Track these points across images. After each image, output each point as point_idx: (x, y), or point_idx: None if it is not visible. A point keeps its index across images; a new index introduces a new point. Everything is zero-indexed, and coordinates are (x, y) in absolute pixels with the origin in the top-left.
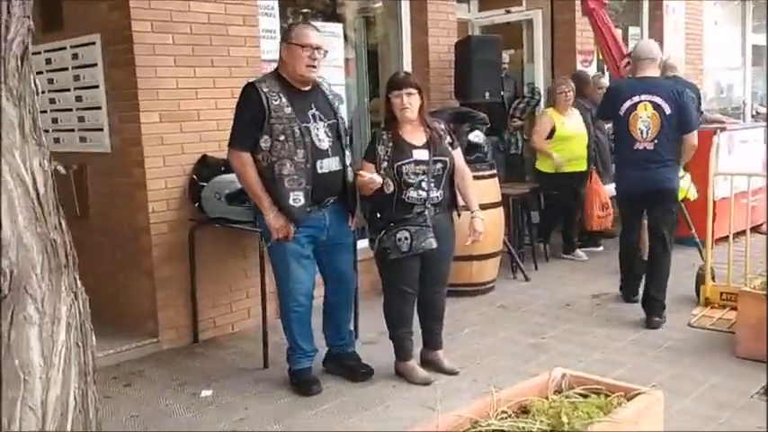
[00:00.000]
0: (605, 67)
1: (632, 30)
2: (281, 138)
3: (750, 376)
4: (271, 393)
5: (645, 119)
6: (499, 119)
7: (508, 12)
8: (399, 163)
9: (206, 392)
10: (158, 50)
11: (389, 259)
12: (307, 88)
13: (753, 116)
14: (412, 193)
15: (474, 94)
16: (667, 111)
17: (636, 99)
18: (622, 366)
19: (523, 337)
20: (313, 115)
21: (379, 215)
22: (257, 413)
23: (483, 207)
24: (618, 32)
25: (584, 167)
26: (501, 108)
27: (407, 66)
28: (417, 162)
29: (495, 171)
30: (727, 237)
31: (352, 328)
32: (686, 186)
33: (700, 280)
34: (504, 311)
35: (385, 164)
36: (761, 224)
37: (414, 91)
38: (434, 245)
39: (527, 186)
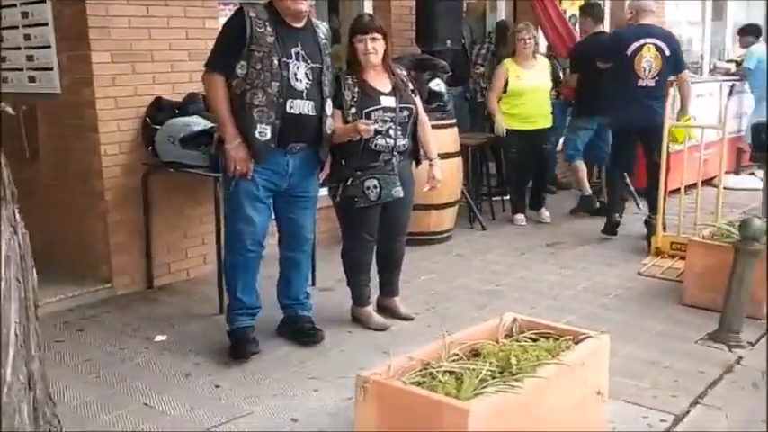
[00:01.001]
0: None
1: None
2: (258, 66)
3: (695, 323)
4: (226, 339)
5: (648, 59)
6: (463, 67)
7: None
8: (368, 109)
9: (160, 337)
10: None
11: (357, 207)
12: (298, 25)
13: (710, 71)
14: (380, 141)
15: (436, 42)
16: (667, 52)
17: (642, 41)
18: (573, 313)
19: (478, 284)
20: (296, 53)
21: (343, 162)
22: (211, 359)
23: (442, 157)
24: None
25: (546, 124)
26: (464, 56)
27: (368, 10)
28: (385, 109)
29: (454, 121)
30: (679, 189)
31: (308, 290)
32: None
33: (651, 230)
34: (460, 259)
35: (353, 110)
36: (713, 177)
37: (378, 36)
38: (402, 193)
39: (486, 137)
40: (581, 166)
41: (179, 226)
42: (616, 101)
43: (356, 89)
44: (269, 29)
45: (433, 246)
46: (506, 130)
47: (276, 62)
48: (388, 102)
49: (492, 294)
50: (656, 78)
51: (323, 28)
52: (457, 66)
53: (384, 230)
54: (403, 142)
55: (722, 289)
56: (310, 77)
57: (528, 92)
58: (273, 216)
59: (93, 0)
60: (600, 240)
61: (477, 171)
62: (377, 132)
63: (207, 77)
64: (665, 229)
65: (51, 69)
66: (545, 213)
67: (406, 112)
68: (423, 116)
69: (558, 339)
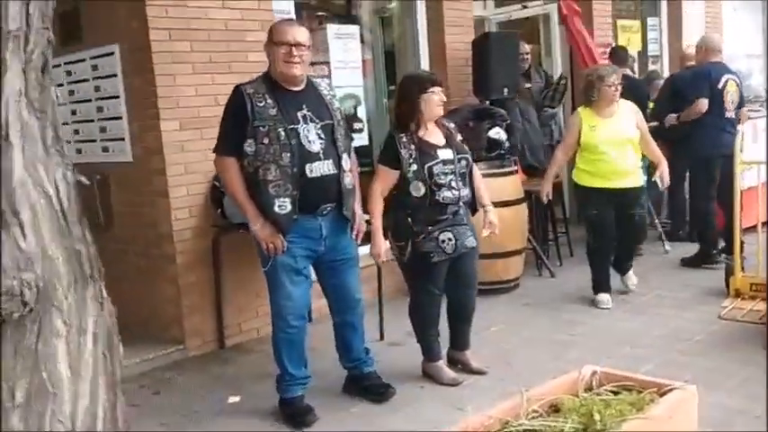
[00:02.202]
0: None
1: (650, 21)
2: (266, 141)
3: None
4: None
5: (732, 93)
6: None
7: (524, 7)
8: (430, 164)
9: (233, 399)
10: (176, 58)
11: (431, 262)
12: (297, 88)
13: None
14: (446, 194)
15: (493, 91)
16: (741, 88)
17: (727, 77)
18: (651, 362)
19: (550, 333)
20: (303, 116)
21: (410, 220)
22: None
23: (505, 204)
24: (590, 40)
25: (634, 183)
26: (533, 101)
27: (425, 64)
28: (445, 161)
29: (516, 168)
30: (755, 226)
31: (367, 346)
32: None
33: (729, 271)
34: (530, 308)
35: (414, 167)
36: None
37: (441, 89)
38: (475, 243)
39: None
40: None
41: (249, 286)
42: (708, 132)
43: (412, 146)
44: (269, 101)
45: (501, 295)
46: (584, 187)
47: (283, 133)
48: (446, 154)
49: (565, 345)
50: (735, 111)
51: (324, 85)
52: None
53: (454, 282)
54: (466, 192)
55: None
56: (323, 136)
57: (605, 144)
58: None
59: (161, 71)
60: (673, 284)
61: (542, 217)
62: (441, 185)
63: (218, 162)
64: (743, 269)
65: (123, 139)
66: (632, 279)
67: (464, 162)
68: (473, 164)
69: (641, 392)
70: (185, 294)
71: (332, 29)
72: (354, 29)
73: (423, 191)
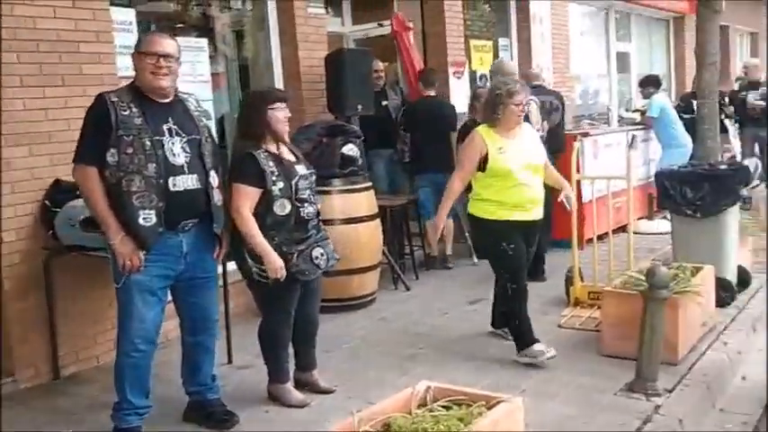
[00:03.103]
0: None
1: (502, 41)
2: (129, 150)
3: (614, 374)
4: None
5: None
6: (390, 130)
7: (381, 25)
8: (294, 180)
9: None
10: (2, 70)
11: (298, 282)
12: (165, 100)
13: (618, 121)
14: (309, 209)
15: (347, 107)
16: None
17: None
18: (495, 372)
19: (402, 348)
20: (169, 129)
21: (276, 240)
22: None
23: (360, 220)
24: (417, 59)
25: (541, 214)
26: (390, 119)
27: (278, 79)
28: (303, 176)
29: (369, 184)
30: (600, 237)
31: (215, 373)
32: None
33: (569, 281)
34: (384, 323)
35: (281, 184)
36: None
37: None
38: (338, 256)
39: (405, 198)
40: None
41: (86, 311)
42: None
43: (271, 162)
44: (134, 110)
45: (357, 311)
46: (492, 221)
47: (149, 143)
48: (302, 170)
49: (415, 359)
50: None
51: (192, 100)
52: (384, 128)
53: (302, 301)
54: (318, 207)
55: (637, 337)
56: (188, 150)
57: (522, 169)
58: (172, 303)
59: None
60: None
61: (398, 232)
62: (304, 201)
63: (77, 171)
64: (582, 278)
65: None
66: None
67: (314, 177)
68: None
69: (471, 405)
70: (15, 322)
71: (179, 41)
72: (203, 42)
73: (288, 208)
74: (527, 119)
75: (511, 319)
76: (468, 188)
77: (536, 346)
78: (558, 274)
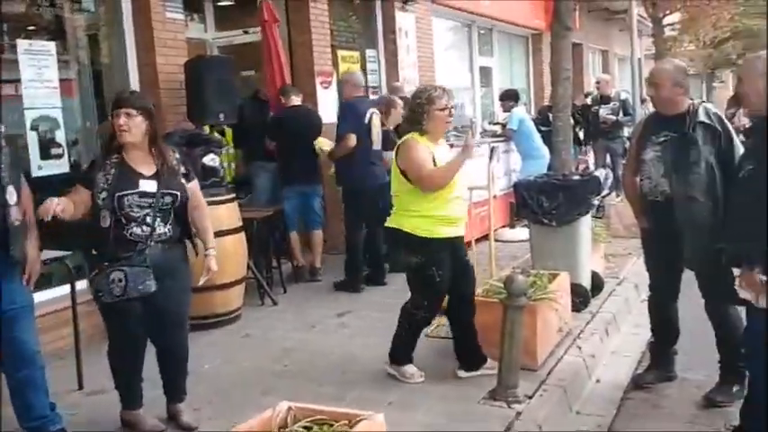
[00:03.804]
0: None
1: (369, 52)
2: None
3: (479, 382)
4: None
5: (377, 126)
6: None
7: (246, 32)
8: (121, 193)
9: None
10: None
11: (105, 302)
12: None
13: (481, 133)
14: (135, 230)
15: (208, 116)
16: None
17: (371, 112)
18: (361, 386)
19: (268, 365)
20: None
21: (94, 251)
22: None
23: (223, 233)
24: (284, 56)
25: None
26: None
27: (135, 86)
28: (143, 194)
29: (232, 195)
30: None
31: (53, 401)
32: None
33: None
34: (249, 340)
35: (104, 194)
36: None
37: (134, 111)
38: (152, 288)
39: (271, 209)
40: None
41: None
42: (357, 167)
43: (112, 171)
44: None
45: (222, 328)
46: (430, 239)
47: None
48: (148, 186)
49: (281, 375)
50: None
51: None
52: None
53: (157, 326)
54: (164, 230)
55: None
56: None
57: (458, 181)
58: None
59: None
60: (389, 304)
61: (264, 244)
62: (132, 219)
63: None
64: None
65: None
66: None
67: (168, 199)
68: (199, 201)
69: (333, 425)
70: None
71: (22, 45)
72: (51, 45)
73: (108, 222)
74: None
75: (401, 332)
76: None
77: (409, 368)
78: None
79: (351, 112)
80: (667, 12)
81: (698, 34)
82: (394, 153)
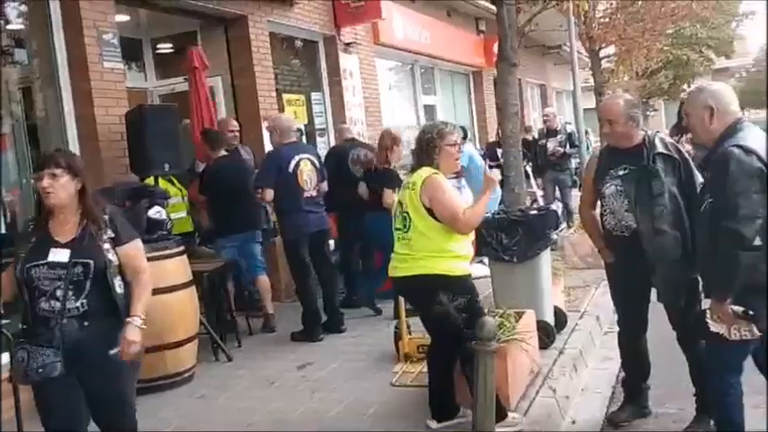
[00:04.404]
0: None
1: (314, 95)
2: None
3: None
4: None
5: (308, 172)
6: None
7: (187, 79)
8: (29, 265)
9: None
10: None
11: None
12: None
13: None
14: (43, 305)
15: (152, 167)
16: (319, 164)
17: (299, 157)
18: None
19: (225, 426)
20: None
21: (22, 326)
22: None
23: (171, 289)
24: (211, 103)
25: None
26: None
27: (73, 140)
28: (53, 265)
29: (182, 248)
30: None
31: None
32: None
33: (398, 335)
34: (203, 402)
35: (18, 265)
36: None
37: (59, 171)
38: (57, 371)
39: (222, 260)
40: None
41: None
42: (288, 217)
43: (33, 239)
44: None
45: (174, 390)
46: (462, 278)
47: None
48: (58, 256)
49: None
50: (317, 188)
51: None
52: None
53: (93, 406)
54: (75, 305)
55: (469, 389)
56: None
57: None
58: None
59: None
60: (351, 354)
61: (217, 297)
62: (42, 293)
63: None
64: (410, 331)
65: None
66: None
67: (79, 269)
68: (136, 265)
69: None
70: None
71: None
72: None
73: (26, 296)
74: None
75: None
76: None
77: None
78: (388, 327)
79: (271, 162)
80: (603, 45)
81: (632, 65)
82: (415, 190)
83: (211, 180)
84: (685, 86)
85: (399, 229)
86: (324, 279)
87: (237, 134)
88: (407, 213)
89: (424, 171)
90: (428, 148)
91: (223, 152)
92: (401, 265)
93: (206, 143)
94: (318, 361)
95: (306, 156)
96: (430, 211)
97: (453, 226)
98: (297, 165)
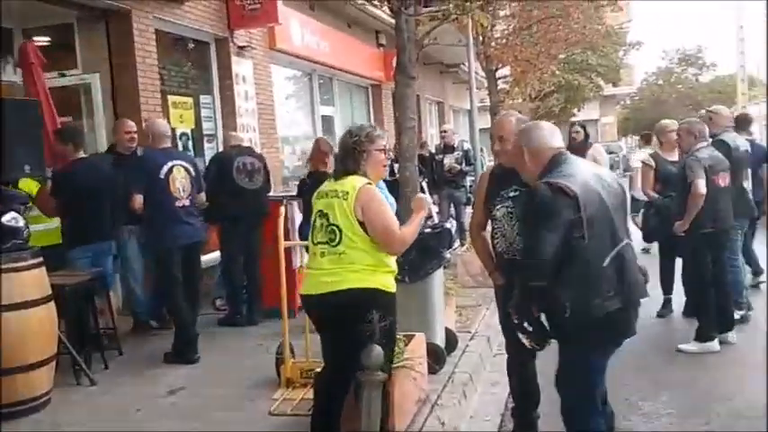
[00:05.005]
0: None
1: (204, 98)
2: None
3: None
4: None
5: (182, 179)
6: None
7: (63, 75)
8: None
9: None
10: None
11: None
12: None
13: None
14: None
15: (10, 170)
16: (194, 171)
17: (172, 164)
18: None
19: None
20: None
21: None
22: None
23: (26, 304)
24: (50, 99)
25: None
26: None
27: None
28: None
29: (40, 260)
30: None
31: None
32: None
33: (280, 359)
34: None
35: None
36: None
37: None
38: None
39: (88, 272)
40: None
41: None
42: (157, 226)
43: None
44: None
45: (27, 418)
46: (394, 294)
47: None
48: None
49: None
50: (192, 197)
51: None
52: None
53: None
54: None
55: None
56: None
57: None
58: None
59: None
60: (224, 378)
61: (81, 313)
62: None
63: None
64: (293, 354)
65: None
66: None
67: None
68: None
69: None
70: None
71: None
72: None
73: None
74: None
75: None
76: None
77: None
78: (270, 349)
79: (142, 168)
80: (500, 65)
81: (526, 87)
82: (348, 200)
83: (66, 184)
84: (575, 110)
85: (324, 243)
86: (192, 297)
87: (135, 136)
88: (336, 226)
89: (357, 180)
90: (356, 152)
91: (82, 154)
92: (329, 279)
93: (64, 143)
94: (192, 386)
95: (179, 162)
96: (362, 224)
97: (386, 241)
98: (169, 171)
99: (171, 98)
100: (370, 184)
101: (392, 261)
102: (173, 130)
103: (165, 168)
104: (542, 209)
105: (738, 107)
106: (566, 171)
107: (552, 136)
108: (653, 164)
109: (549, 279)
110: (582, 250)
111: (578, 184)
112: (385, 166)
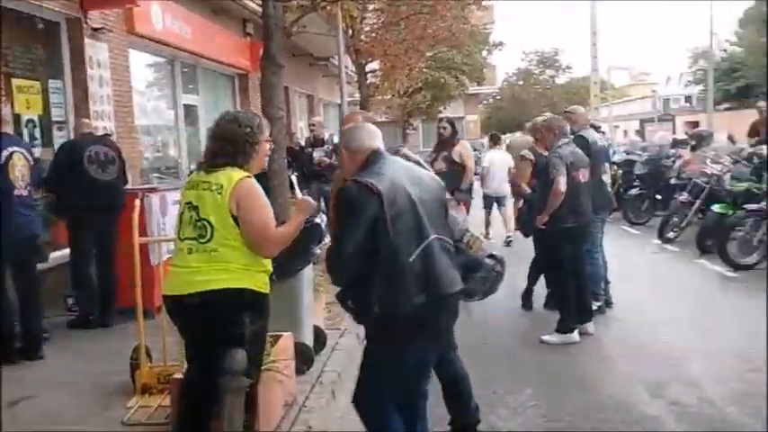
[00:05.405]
0: None
1: (53, 83)
2: None
3: None
4: None
5: (21, 167)
6: None
7: None
8: None
9: None
10: None
11: None
12: None
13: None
14: None
15: None
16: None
17: (12, 150)
18: None
19: None
20: None
21: None
22: None
23: None
24: None
25: None
26: None
27: None
28: None
29: None
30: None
31: None
32: None
33: (135, 364)
34: None
35: None
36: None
37: None
38: None
39: None
40: None
41: None
42: None
43: None
44: None
45: None
46: (267, 295)
47: None
48: None
49: None
50: (31, 187)
51: None
52: None
53: None
54: None
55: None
56: None
57: None
58: None
59: None
60: (77, 384)
61: None
62: None
63: None
64: (150, 358)
65: None
66: None
67: None
68: None
69: None
70: None
71: None
72: None
73: None
74: None
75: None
76: None
77: None
78: (125, 353)
79: None
80: (369, 59)
81: (395, 83)
82: (222, 194)
83: None
84: (441, 108)
85: (192, 239)
86: (24, 296)
87: None
88: (207, 221)
89: (233, 172)
90: (247, 144)
91: None
92: (197, 278)
93: None
94: (38, 394)
95: (19, 149)
96: (235, 220)
97: (260, 241)
98: (9, 157)
99: (15, 81)
100: (249, 177)
101: (267, 260)
102: (17, 116)
103: (5, 154)
104: (347, 205)
105: (591, 108)
106: (377, 170)
107: (371, 137)
108: (532, 158)
109: (352, 274)
110: (388, 246)
111: (385, 182)
112: (267, 156)
